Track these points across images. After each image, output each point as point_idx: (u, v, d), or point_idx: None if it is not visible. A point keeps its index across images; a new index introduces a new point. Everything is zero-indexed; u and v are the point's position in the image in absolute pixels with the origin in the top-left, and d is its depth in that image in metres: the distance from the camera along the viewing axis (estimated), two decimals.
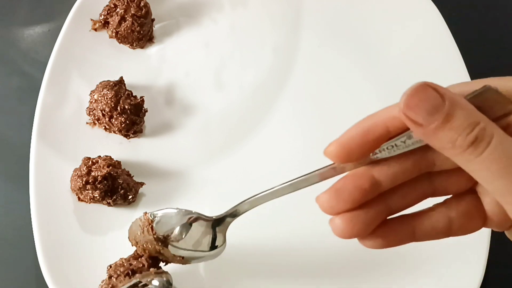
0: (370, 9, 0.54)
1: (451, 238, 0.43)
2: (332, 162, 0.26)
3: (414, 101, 0.22)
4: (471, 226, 0.26)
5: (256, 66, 0.52)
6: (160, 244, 0.37)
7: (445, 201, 0.26)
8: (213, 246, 0.37)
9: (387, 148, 0.24)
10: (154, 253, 0.38)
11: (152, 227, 0.37)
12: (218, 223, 0.36)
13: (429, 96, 0.21)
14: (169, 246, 0.37)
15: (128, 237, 0.38)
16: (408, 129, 0.23)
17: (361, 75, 0.51)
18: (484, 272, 0.41)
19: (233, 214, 0.34)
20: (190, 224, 0.36)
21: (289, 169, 0.45)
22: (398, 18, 0.53)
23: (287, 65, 0.52)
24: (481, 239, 0.42)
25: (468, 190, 0.26)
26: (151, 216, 0.37)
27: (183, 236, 0.37)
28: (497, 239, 0.42)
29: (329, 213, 0.25)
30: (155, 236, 0.36)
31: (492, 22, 0.57)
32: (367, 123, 0.25)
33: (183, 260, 0.37)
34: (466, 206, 0.26)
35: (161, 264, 0.39)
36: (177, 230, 0.36)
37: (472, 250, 0.42)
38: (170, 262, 0.39)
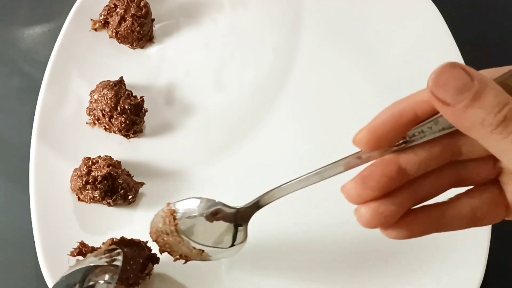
0: (370, 9, 0.54)
1: (451, 238, 0.43)
2: (358, 151, 0.26)
3: (443, 79, 0.22)
4: (495, 215, 0.26)
5: (256, 66, 0.52)
6: (181, 235, 0.36)
7: (468, 191, 0.27)
8: (233, 243, 0.36)
9: (413, 135, 0.24)
10: (175, 246, 0.37)
11: (174, 217, 0.36)
12: (240, 215, 0.35)
13: (458, 75, 0.22)
14: (190, 240, 0.36)
15: (150, 232, 0.38)
16: (435, 114, 0.23)
17: (361, 75, 0.51)
18: (484, 272, 0.41)
19: (256, 205, 0.34)
20: (212, 218, 0.35)
21: (290, 169, 0.45)
22: (398, 18, 0.53)
23: (287, 65, 0.52)
24: (481, 239, 0.42)
25: (491, 181, 0.26)
26: (173, 206, 0.36)
27: (205, 232, 0.36)
28: (497, 239, 0.42)
29: (355, 202, 0.25)
30: (176, 227, 0.36)
31: (492, 22, 0.57)
32: (396, 108, 0.25)
33: (203, 256, 0.37)
34: (489, 195, 0.26)
35: (181, 261, 0.38)
36: (198, 224, 0.36)
37: (472, 250, 0.42)
38: (189, 258, 0.38)
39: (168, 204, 0.37)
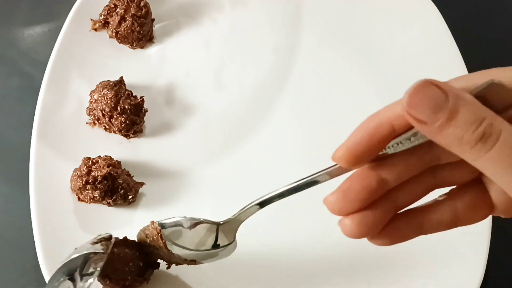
0: (370, 9, 0.54)
1: (451, 238, 0.43)
2: None
3: (416, 99, 0.21)
4: (478, 215, 0.26)
5: (256, 66, 0.52)
6: (170, 250, 0.37)
7: (451, 192, 0.26)
8: (215, 245, 0.36)
9: (392, 146, 0.24)
10: (166, 258, 0.38)
11: (161, 236, 0.37)
12: (223, 226, 0.36)
13: (431, 93, 0.21)
14: (176, 248, 0.37)
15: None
16: (413, 126, 0.23)
17: (361, 75, 0.51)
18: (484, 272, 0.41)
19: (240, 217, 0.34)
20: (195, 226, 0.36)
21: (290, 169, 0.45)
22: (398, 18, 0.53)
23: (287, 65, 0.52)
24: (481, 239, 0.42)
25: (474, 180, 0.26)
26: (158, 225, 0.37)
27: (188, 237, 0.37)
28: (497, 239, 0.42)
29: (337, 214, 0.25)
30: (165, 244, 0.37)
31: (492, 22, 0.57)
32: (372, 123, 0.24)
33: (196, 262, 0.38)
34: (471, 196, 0.26)
35: (173, 266, 0.40)
36: (182, 233, 0.37)
37: (472, 250, 0.42)
38: (182, 264, 0.39)
39: (153, 222, 0.37)
